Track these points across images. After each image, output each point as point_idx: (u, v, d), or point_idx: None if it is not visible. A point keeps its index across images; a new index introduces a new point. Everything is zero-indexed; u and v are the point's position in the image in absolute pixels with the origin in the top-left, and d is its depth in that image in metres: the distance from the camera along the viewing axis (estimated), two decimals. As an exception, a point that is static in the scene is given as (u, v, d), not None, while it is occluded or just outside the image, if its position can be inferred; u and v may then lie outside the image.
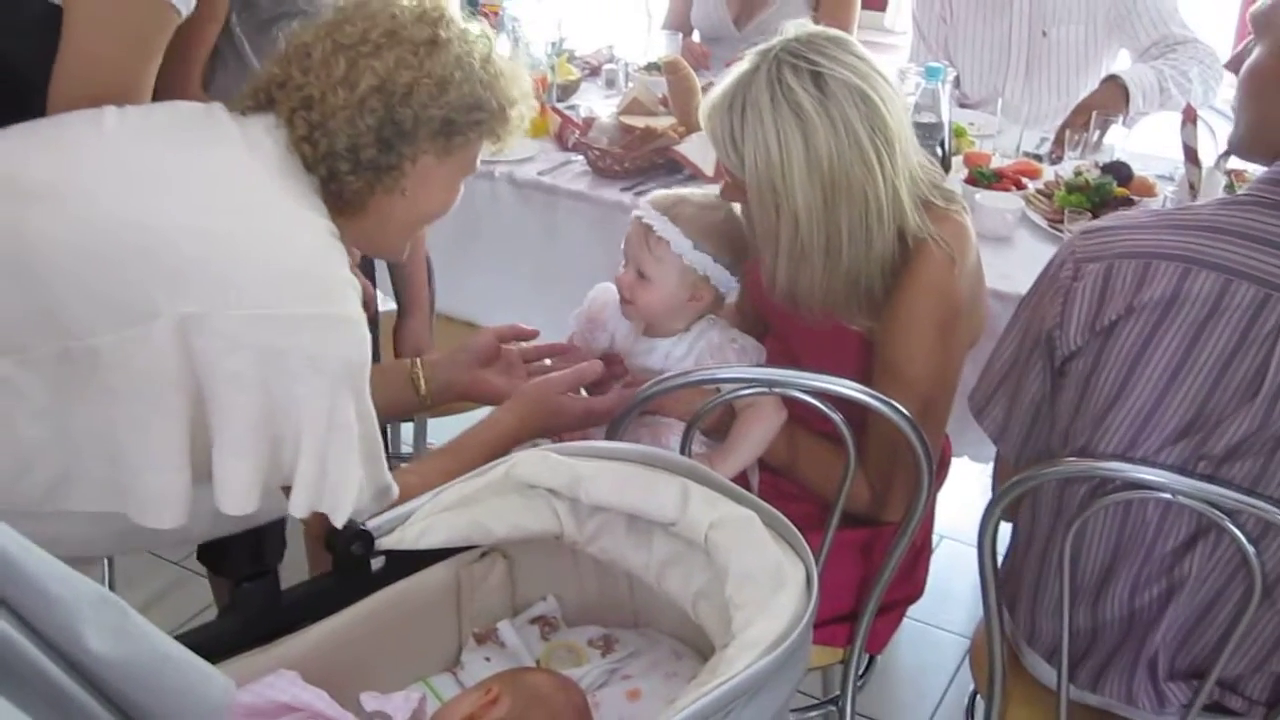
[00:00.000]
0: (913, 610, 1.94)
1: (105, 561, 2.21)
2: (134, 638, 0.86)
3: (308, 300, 1.25)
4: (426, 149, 1.40)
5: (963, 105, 3.03)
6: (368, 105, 1.34)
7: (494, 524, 1.33)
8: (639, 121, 2.58)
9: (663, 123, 2.58)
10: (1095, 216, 2.21)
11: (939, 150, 2.30)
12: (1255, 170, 1.55)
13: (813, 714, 1.89)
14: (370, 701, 1.22)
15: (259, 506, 1.27)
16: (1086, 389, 1.40)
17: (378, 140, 1.36)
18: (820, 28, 1.62)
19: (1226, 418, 1.34)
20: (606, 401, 1.63)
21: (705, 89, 1.97)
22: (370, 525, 1.29)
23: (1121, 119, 2.68)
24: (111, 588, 1.97)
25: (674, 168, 2.51)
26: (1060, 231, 2.26)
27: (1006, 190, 2.40)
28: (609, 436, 1.57)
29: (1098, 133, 2.61)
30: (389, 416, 1.92)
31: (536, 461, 1.34)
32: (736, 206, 1.72)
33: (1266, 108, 1.42)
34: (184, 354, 1.21)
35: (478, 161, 1.49)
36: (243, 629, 1.22)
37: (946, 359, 1.68)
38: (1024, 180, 2.46)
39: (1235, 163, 2.23)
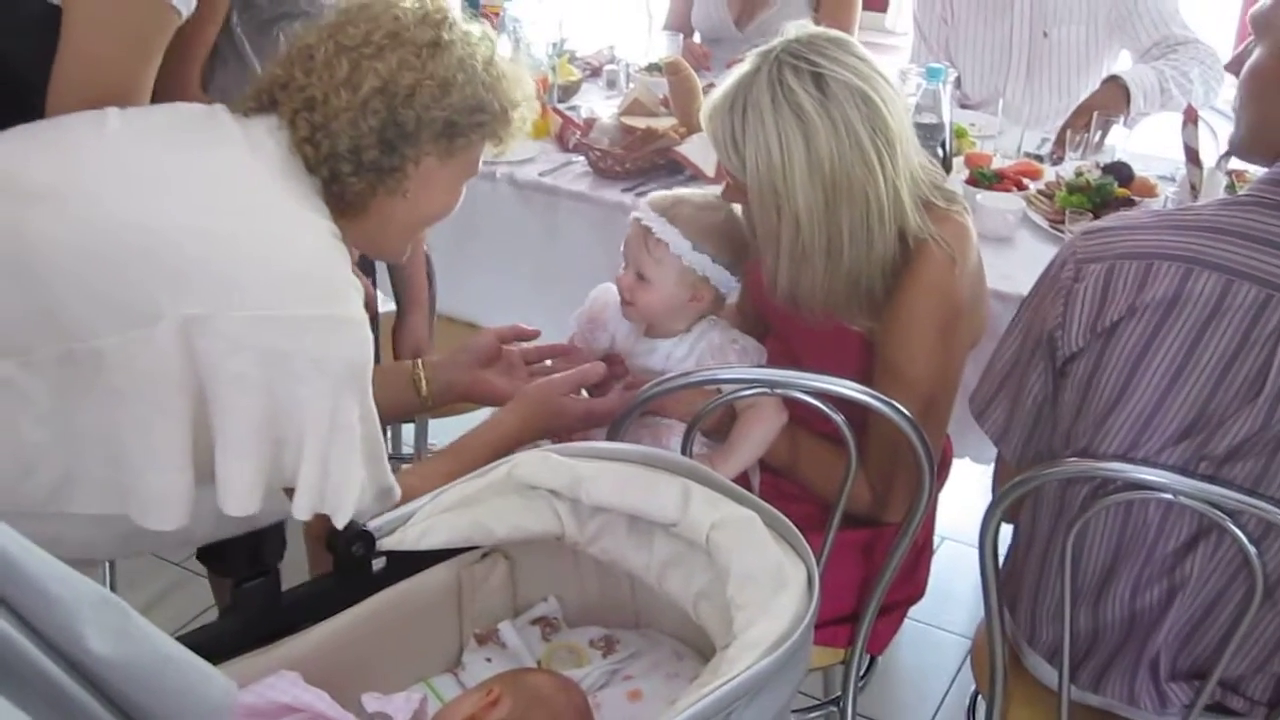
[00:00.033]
0: (914, 611, 1.94)
1: (106, 562, 2.20)
2: (135, 638, 0.86)
3: (311, 302, 1.25)
4: (429, 151, 1.40)
5: (964, 106, 3.03)
6: (370, 107, 1.34)
7: (495, 525, 1.33)
8: (640, 122, 2.57)
9: (664, 123, 2.57)
10: (1096, 217, 2.21)
11: (940, 151, 2.30)
12: (1256, 171, 1.55)
13: (814, 714, 1.89)
14: (371, 702, 1.22)
15: (261, 508, 1.27)
16: (1088, 390, 1.40)
17: (380, 142, 1.36)
18: (821, 29, 1.62)
19: (1228, 418, 1.34)
20: (608, 403, 1.63)
21: (706, 90, 1.98)
22: (371, 526, 1.29)
23: (1122, 120, 2.68)
24: (113, 589, 1.97)
25: (675, 168, 2.51)
26: (1061, 232, 2.26)
27: (1007, 191, 2.40)
28: (610, 437, 1.57)
29: (1099, 133, 2.60)
30: (390, 417, 1.93)
31: (537, 462, 1.34)
32: (737, 207, 1.72)
33: (1267, 109, 1.42)
34: (187, 355, 1.21)
35: (480, 163, 1.50)
36: (244, 630, 1.22)
37: (948, 360, 1.68)
38: (1025, 181, 2.46)
39: (1236, 163, 2.23)
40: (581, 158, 2.56)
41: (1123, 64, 3.04)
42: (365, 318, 1.30)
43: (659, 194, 1.75)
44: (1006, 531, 1.56)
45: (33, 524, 0.87)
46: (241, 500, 1.25)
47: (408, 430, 2.75)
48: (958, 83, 3.02)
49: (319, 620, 1.26)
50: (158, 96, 1.53)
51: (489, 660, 1.38)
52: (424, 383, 1.71)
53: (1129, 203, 2.30)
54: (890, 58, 3.55)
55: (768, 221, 1.60)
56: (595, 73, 3.17)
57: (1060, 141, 2.66)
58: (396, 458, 2.71)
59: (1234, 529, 1.32)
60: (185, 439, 1.25)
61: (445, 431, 1.96)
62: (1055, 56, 3.02)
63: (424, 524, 1.31)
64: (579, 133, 2.61)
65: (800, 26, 1.61)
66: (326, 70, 1.35)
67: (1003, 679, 1.58)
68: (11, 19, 1.51)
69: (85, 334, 1.22)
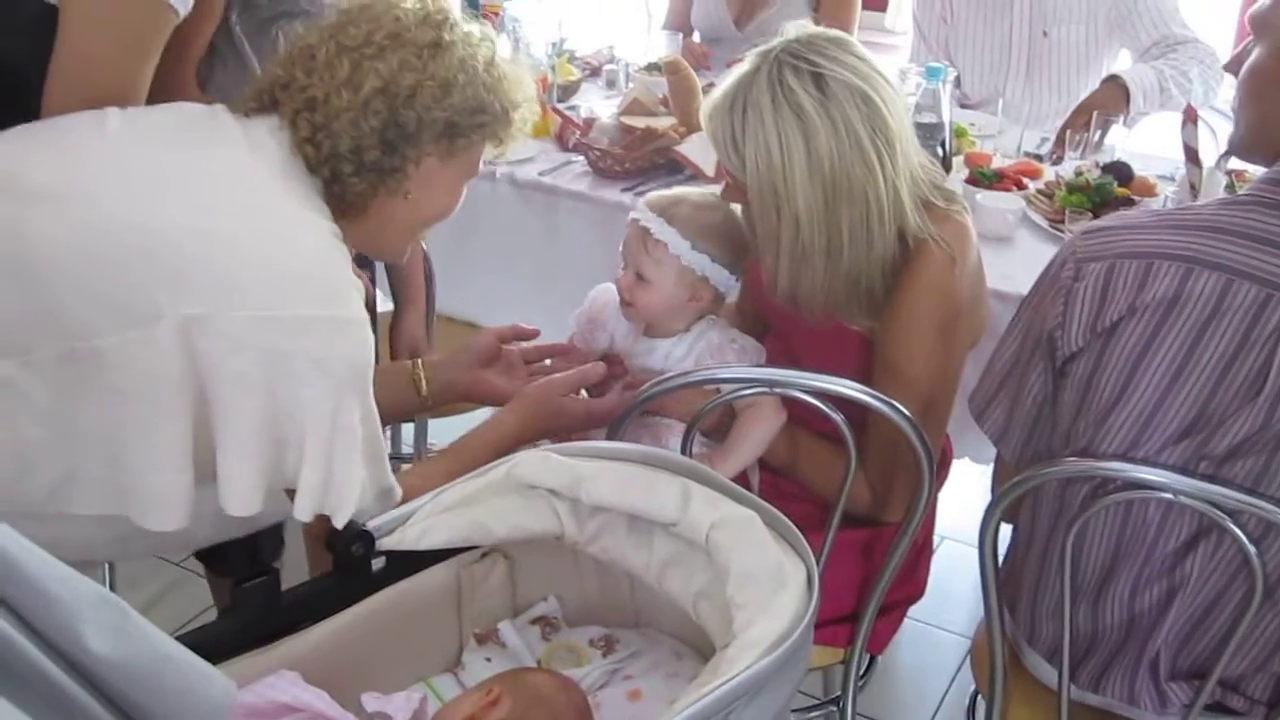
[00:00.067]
0: (914, 610, 1.94)
1: (106, 563, 2.20)
2: (134, 638, 0.86)
3: (311, 302, 1.25)
4: (430, 151, 1.40)
5: (963, 105, 3.03)
6: (371, 107, 1.34)
7: (495, 524, 1.33)
8: (639, 122, 2.58)
9: (663, 123, 2.58)
10: (1096, 216, 2.21)
11: (940, 150, 2.30)
12: (1256, 170, 1.55)
13: (814, 714, 1.89)
14: (371, 702, 1.22)
15: (263, 508, 1.27)
16: (1088, 389, 1.40)
17: (381, 142, 1.36)
18: (821, 28, 1.62)
19: (1228, 418, 1.34)
20: (607, 403, 1.63)
21: (706, 89, 1.98)
22: (371, 525, 1.29)
23: (1122, 119, 2.68)
24: (112, 588, 1.97)
25: (675, 168, 2.51)
26: (1061, 232, 2.26)
27: (1007, 190, 2.40)
28: (610, 437, 1.57)
29: (1098, 133, 2.61)
30: (390, 417, 1.92)
31: (537, 462, 1.34)
32: (736, 207, 1.72)
33: (1267, 108, 1.42)
34: (188, 356, 1.21)
35: (480, 164, 1.50)
36: (243, 629, 1.22)
37: (947, 359, 1.68)
38: (1025, 180, 2.46)
39: (1236, 163, 2.23)
40: (581, 157, 2.56)
41: (1122, 63, 3.04)
42: (366, 318, 1.30)
43: (657, 194, 1.75)
44: (1006, 531, 1.56)
45: (33, 525, 0.87)
46: (244, 500, 1.25)
47: (407, 430, 2.75)
48: (957, 82, 3.02)
49: (319, 620, 1.26)
50: (154, 95, 1.53)
51: (489, 660, 1.38)
52: (424, 382, 1.71)
53: (1129, 202, 2.30)
54: (890, 57, 3.55)
55: (767, 221, 1.60)
56: (595, 72, 3.17)
57: (1060, 141, 2.67)
58: (396, 457, 2.71)
59: (1234, 528, 1.32)
60: (186, 439, 1.25)
61: (445, 431, 1.96)
62: (1055, 56, 3.02)
63: (423, 524, 1.31)
64: (578, 132, 2.61)
65: (800, 26, 1.61)
66: (328, 70, 1.35)
67: (1002, 678, 1.58)
68: (10, 18, 1.51)
69: (86, 334, 1.22)
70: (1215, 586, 1.42)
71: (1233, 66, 1.49)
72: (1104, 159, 2.50)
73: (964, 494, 2.47)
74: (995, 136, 2.75)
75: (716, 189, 1.80)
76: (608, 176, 2.50)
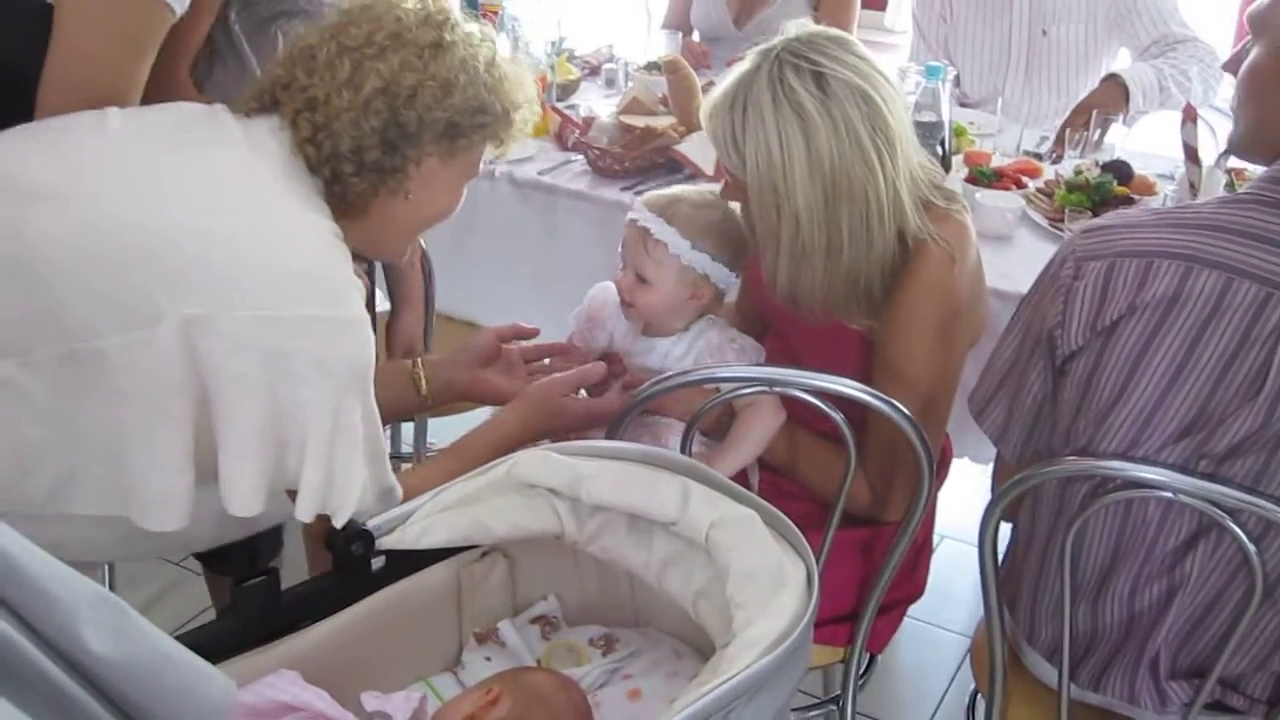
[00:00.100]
0: (913, 610, 1.94)
1: (106, 563, 2.20)
2: (134, 638, 0.86)
3: (312, 302, 1.25)
4: (430, 152, 1.40)
5: (963, 104, 3.04)
6: (372, 107, 1.34)
7: (494, 523, 1.33)
8: (639, 121, 2.57)
9: (663, 122, 2.57)
10: (1096, 215, 2.21)
11: (939, 149, 2.30)
12: (1255, 169, 1.55)
13: (814, 713, 1.89)
14: (371, 701, 1.22)
15: (265, 509, 1.27)
16: (1088, 388, 1.40)
17: (382, 142, 1.36)
18: (822, 27, 1.62)
19: (1228, 417, 1.34)
20: (608, 403, 1.63)
21: (705, 88, 1.98)
22: (370, 525, 1.29)
23: (1122, 118, 2.68)
24: (112, 588, 1.97)
25: (674, 167, 2.51)
26: (1061, 230, 2.26)
27: (1007, 189, 2.40)
28: (609, 436, 1.57)
29: (1098, 131, 2.60)
30: (390, 417, 1.92)
31: (537, 461, 1.34)
32: (735, 205, 1.72)
33: (1266, 108, 1.42)
34: (189, 356, 1.21)
35: (480, 165, 1.50)
36: (243, 629, 1.22)
37: (947, 359, 1.68)
38: (1024, 179, 2.46)
39: (1235, 161, 2.23)
40: (580, 156, 2.56)
41: (1122, 62, 3.04)
42: (367, 318, 1.30)
43: (654, 194, 1.75)
44: (1005, 530, 1.56)
45: (34, 526, 0.87)
46: (246, 501, 1.25)
47: (407, 429, 2.75)
48: (957, 81, 3.02)
49: (318, 619, 1.26)
50: (148, 93, 1.52)
51: (488, 659, 1.38)
52: (424, 382, 1.71)
53: (1128, 201, 2.30)
54: (889, 56, 3.55)
55: (767, 220, 1.60)
56: (594, 71, 3.17)
57: (1059, 140, 2.67)
58: (396, 457, 2.71)
59: (1234, 527, 1.32)
60: (187, 440, 1.25)
61: (445, 431, 1.96)
62: (1054, 55, 3.02)
63: (423, 523, 1.31)
64: (578, 131, 2.61)
65: (801, 25, 1.61)
66: (328, 71, 1.35)
67: (1002, 677, 1.58)
68: (8, 17, 1.51)
69: (87, 334, 1.22)
70: (1215, 585, 1.41)
71: (1231, 66, 1.49)
72: (1103, 158, 2.50)
73: (964, 493, 2.47)
74: (995, 135, 2.75)
75: (711, 187, 1.80)
76: (607, 175, 2.50)
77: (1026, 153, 2.67)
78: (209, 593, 2.20)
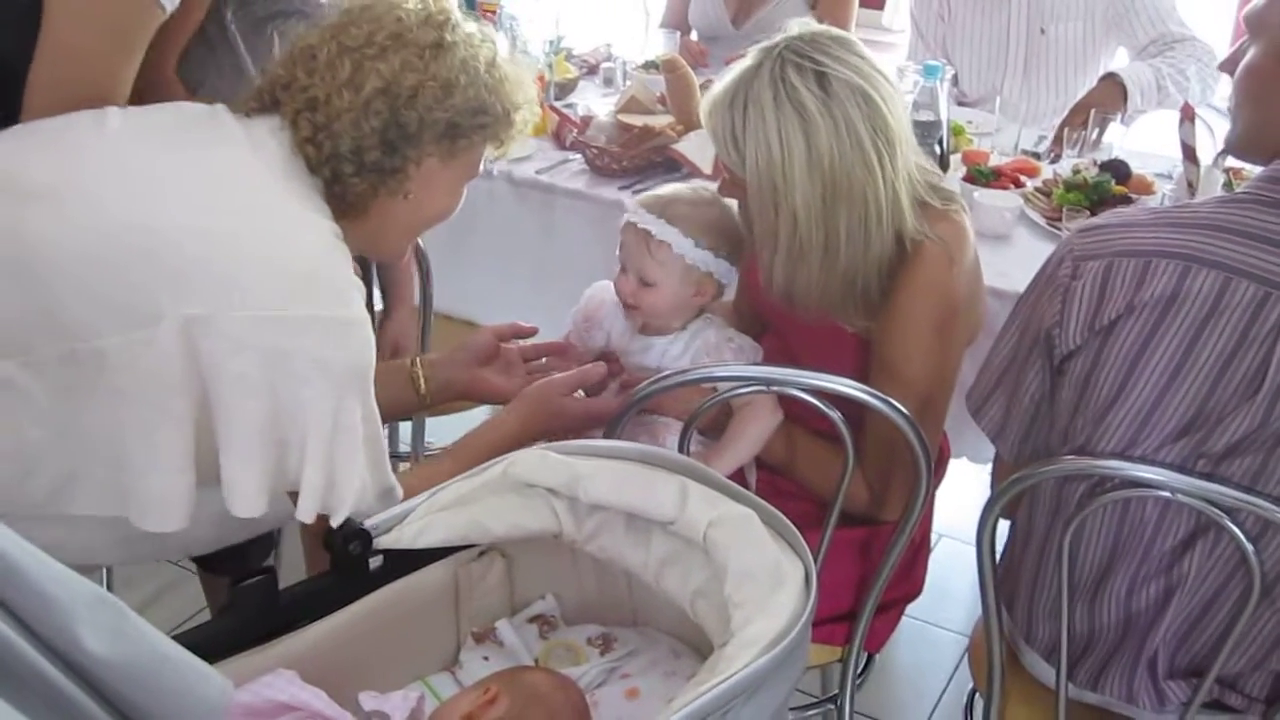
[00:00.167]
0: (911, 609, 1.94)
1: (106, 566, 2.20)
2: (132, 638, 0.86)
3: (312, 302, 1.25)
4: (431, 152, 1.40)
5: (961, 103, 3.04)
6: (372, 108, 1.34)
7: (492, 523, 1.33)
8: (637, 120, 2.58)
9: (661, 121, 2.58)
10: (1093, 214, 2.21)
11: (937, 148, 2.30)
12: (1253, 168, 1.55)
13: (812, 712, 1.89)
14: (369, 701, 1.22)
15: (267, 510, 1.27)
16: (1086, 388, 1.40)
17: (382, 143, 1.36)
18: (824, 27, 1.62)
19: (1226, 416, 1.34)
20: (607, 403, 1.63)
21: (703, 87, 1.97)
22: (368, 524, 1.29)
23: (1120, 117, 2.68)
24: (109, 588, 1.97)
25: (672, 166, 2.51)
26: (1058, 230, 2.26)
27: (1005, 188, 2.40)
28: (607, 436, 1.57)
29: (1096, 131, 2.61)
30: (389, 416, 1.93)
31: (535, 460, 1.34)
32: (732, 202, 1.71)
33: (1264, 108, 1.42)
34: (189, 356, 1.21)
35: (480, 165, 1.49)
36: (241, 629, 1.21)
37: (944, 358, 1.68)
38: (1022, 178, 2.46)
39: (1233, 161, 2.23)
40: (578, 155, 2.56)
41: (1120, 61, 3.04)
42: (367, 318, 1.30)
43: (647, 195, 1.74)
44: (1003, 529, 1.56)
45: (35, 528, 0.87)
46: (249, 501, 1.25)
47: (405, 429, 2.75)
48: (955, 80, 3.02)
49: (316, 619, 1.26)
50: (135, 88, 1.52)
51: (486, 659, 1.38)
52: (422, 381, 1.71)
53: (1126, 200, 2.30)
54: (887, 55, 3.55)
55: (765, 218, 1.60)
56: (592, 70, 3.17)
57: (1058, 139, 2.67)
58: (393, 456, 2.71)
59: (1231, 527, 1.32)
60: (187, 441, 1.25)
61: (443, 430, 1.96)
62: (1052, 53, 3.02)
63: (421, 522, 1.31)
64: (576, 130, 2.60)
65: (804, 24, 1.61)
66: (329, 71, 1.35)
67: (1000, 677, 1.58)
68: (1, 14, 1.50)
69: (88, 334, 1.22)
70: (1213, 584, 1.42)
71: (1227, 66, 1.48)
72: (1101, 157, 2.50)
73: (962, 492, 2.47)
74: (993, 134, 2.75)
75: (701, 183, 1.79)
76: (605, 174, 2.50)
77: (1024, 152, 2.67)
78: (204, 593, 2.19)
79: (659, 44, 3.21)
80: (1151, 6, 2.91)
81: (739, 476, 1.69)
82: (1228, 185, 2.25)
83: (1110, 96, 2.76)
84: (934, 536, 2.09)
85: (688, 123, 2.50)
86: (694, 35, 3.46)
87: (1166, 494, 1.34)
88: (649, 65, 3.00)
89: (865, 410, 1.52)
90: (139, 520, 1.27)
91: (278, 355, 1.22)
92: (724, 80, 1.60)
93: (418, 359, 1.75)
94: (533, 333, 1.80)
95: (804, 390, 1.50)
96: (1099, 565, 1.45)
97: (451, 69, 1.37)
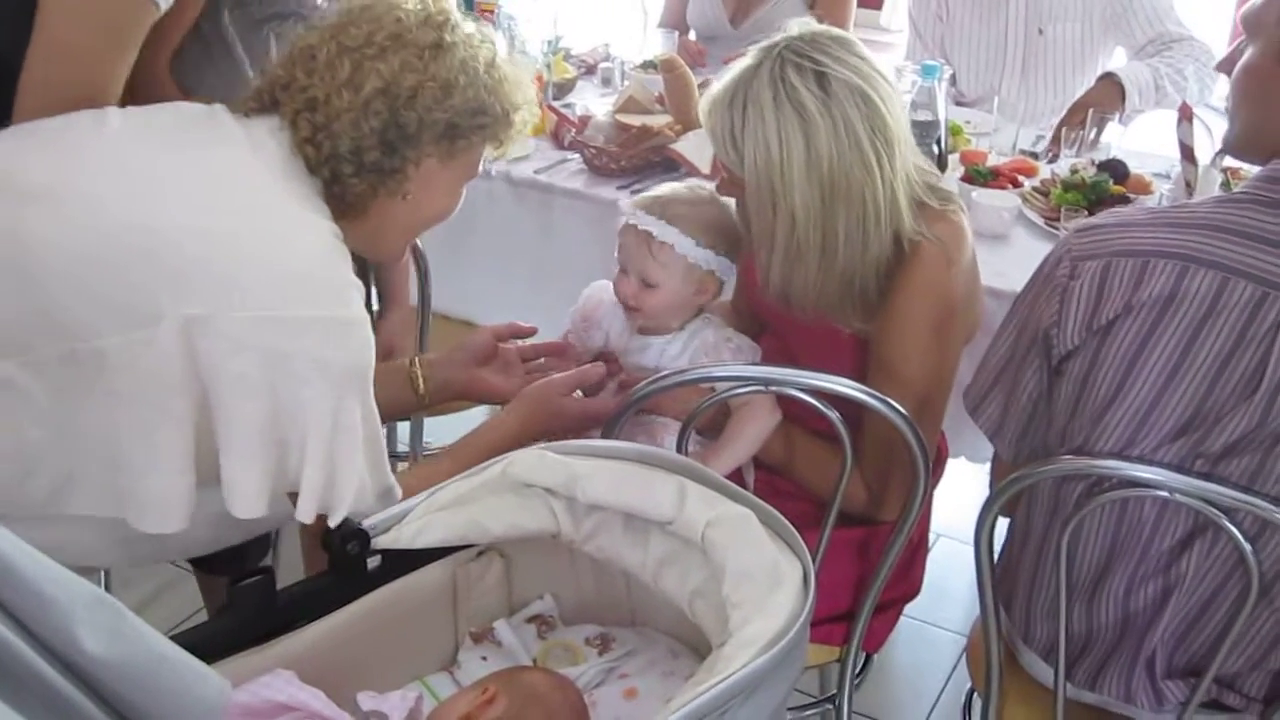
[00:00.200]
0: (910, 609, 1.94)
1: (105, 568, 2.20)
2: (129, 638, 0.86)
3: (312, 302, 1.25)
4: (430, 153, 1.40)
5: (959, 103, 3.04)
6: (372, 108, 1.34)
7: (491, 523, 1.33)
8: (635, 120, 2.58)
9: (659, 121, 2.58)
10: (1091, 214, 2.21)
11: (935, 148, 2.30)
12: (1251, 168, 1.55)
13: (810, 712, 1.89)
14: (367, 701, 1.22)
15: (268, 511, 1.27)
16: (1084, 387, 1.40)
17: (381, 143, 1.36)
18: (824, 27, 1.62)
19: (1224, 416, 1.34)
20: (606, 403, 1.63)
21: (701, 87, 1.97)
22: (366, 524, 1.29)
23: (1118, 117, 2.68)
24: (107, 588, 1.97)
25: (670, 166, 2.51)
26: (1056, 229, 2.26)
27: (1003, 188, 2.40)
28: (605, 436, 1.57)
29: (1094, 130, 2.61)
30: (388, 416, 1.92)
31: (533, 460, 1.34)
32: (730, 200, 1.71)
33: (1262, 108, 1.42)
34: (189, 357, 1.21)
35: (480, 165, 1.49)
36: (239, 629, 1.21)
37: (942, 358, 1.68)
38: (1020, 178, 2.46)
39: (1231, 160, 2.23)
40: (576, 155, 2.56)
41: (1118, 61, 3.04)
42: (367, 318, 1.30)
43: (644, 196, 1.73)
44: (1002, 529, 1.56)
45: (34, 529, 0.87)
46: (249, 502, 1.25)
47: (403, 429, 2.75)
48: (953, 80, 3.02)
49: (314, 619, 1.26)
50: (127, 88, 1.51)
51: (484, 659, 1.38)
52: (421, 381, 1.71)
53: (1124, 200, 2.31)
54: (885, 55, 3.54)
55: (763, 218, 1.60)
56: (590, 70, 3.17)
57: (1056, 139, 2.67)
58: (392, 456, 2.70)
59: (1229, 526, 1.32)
60: (187, 441, 1.25)
61: (441, 430, 1.96)
62: (1050, 53, 3.03)
63: (419, 522, 1.31)
64: (574, 130, 2.60)
65: (804, 24, 1.61)
66: (328, 71, 1.35)
67: (998, 677, 1.58)
68: None
69: (87, 335, 1.22)
70: (1211, 584, 1.42)
71: (1225, 66, 1.48)
72: (1099, 156, 2.50)
73: (960, 492, 2.47)
74: (991, 134, 2.75)
75: (696, 181, 1.79)
76: (603, 174, 2.50)
77: (1022, 151, 2.67)
78: (201, 593, 2.19)
79: (657, 44, 3.21)
80: (1149, 6, 2.91)
81: (737, 476, 1.69)
82: (1225, 185, 2.25)
83: (1108, 96, 2.76)
84: (932, 536, 2.09)
85: (686, 122, 2.50)
86: (692, 35, 3.46)
87: (1164, 494, 1.34)
88: (647, 65, 3.00)
89: (863, 410, 1.52)
90: (138, 521, 1.27)
91: (277, 355, 1.22)
92: (723, 79, 1.60)
93: (416, 359, 1.75)
94: (531, 332, 1.80)
95: (802, 390, 1.50)
96: (1097, 565, 1.45)
97: (451, 69, 1.37)
